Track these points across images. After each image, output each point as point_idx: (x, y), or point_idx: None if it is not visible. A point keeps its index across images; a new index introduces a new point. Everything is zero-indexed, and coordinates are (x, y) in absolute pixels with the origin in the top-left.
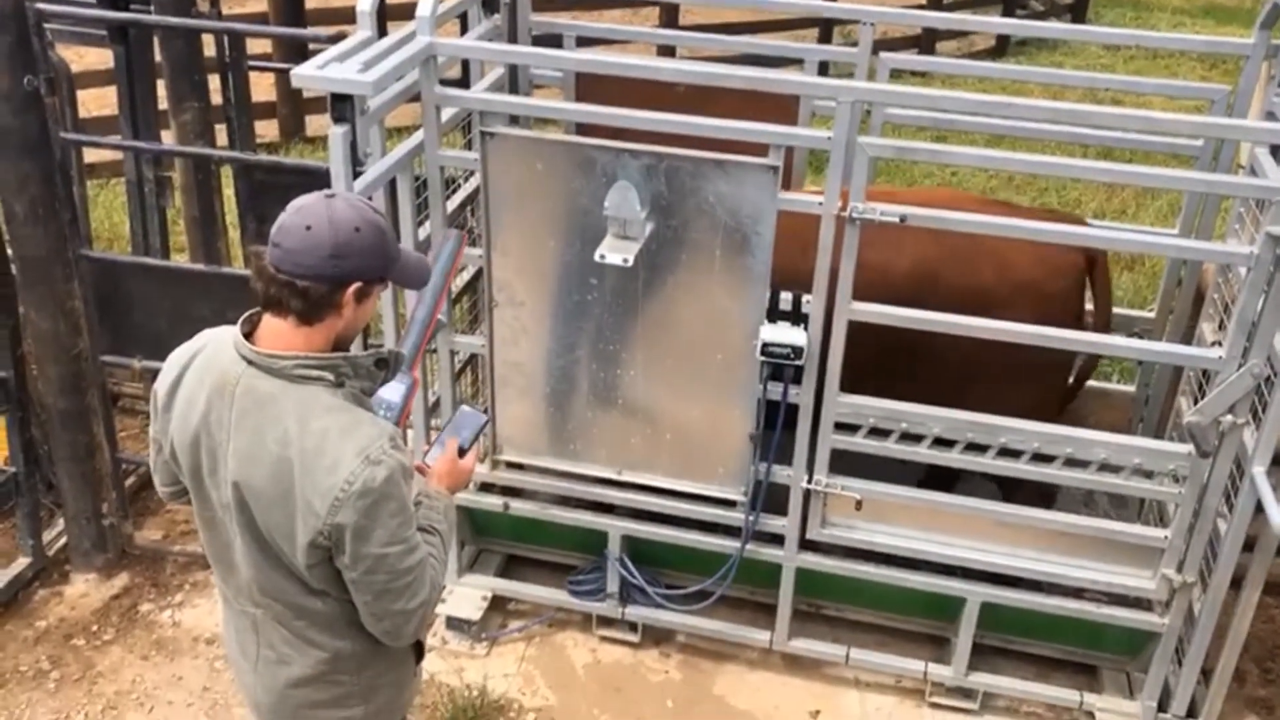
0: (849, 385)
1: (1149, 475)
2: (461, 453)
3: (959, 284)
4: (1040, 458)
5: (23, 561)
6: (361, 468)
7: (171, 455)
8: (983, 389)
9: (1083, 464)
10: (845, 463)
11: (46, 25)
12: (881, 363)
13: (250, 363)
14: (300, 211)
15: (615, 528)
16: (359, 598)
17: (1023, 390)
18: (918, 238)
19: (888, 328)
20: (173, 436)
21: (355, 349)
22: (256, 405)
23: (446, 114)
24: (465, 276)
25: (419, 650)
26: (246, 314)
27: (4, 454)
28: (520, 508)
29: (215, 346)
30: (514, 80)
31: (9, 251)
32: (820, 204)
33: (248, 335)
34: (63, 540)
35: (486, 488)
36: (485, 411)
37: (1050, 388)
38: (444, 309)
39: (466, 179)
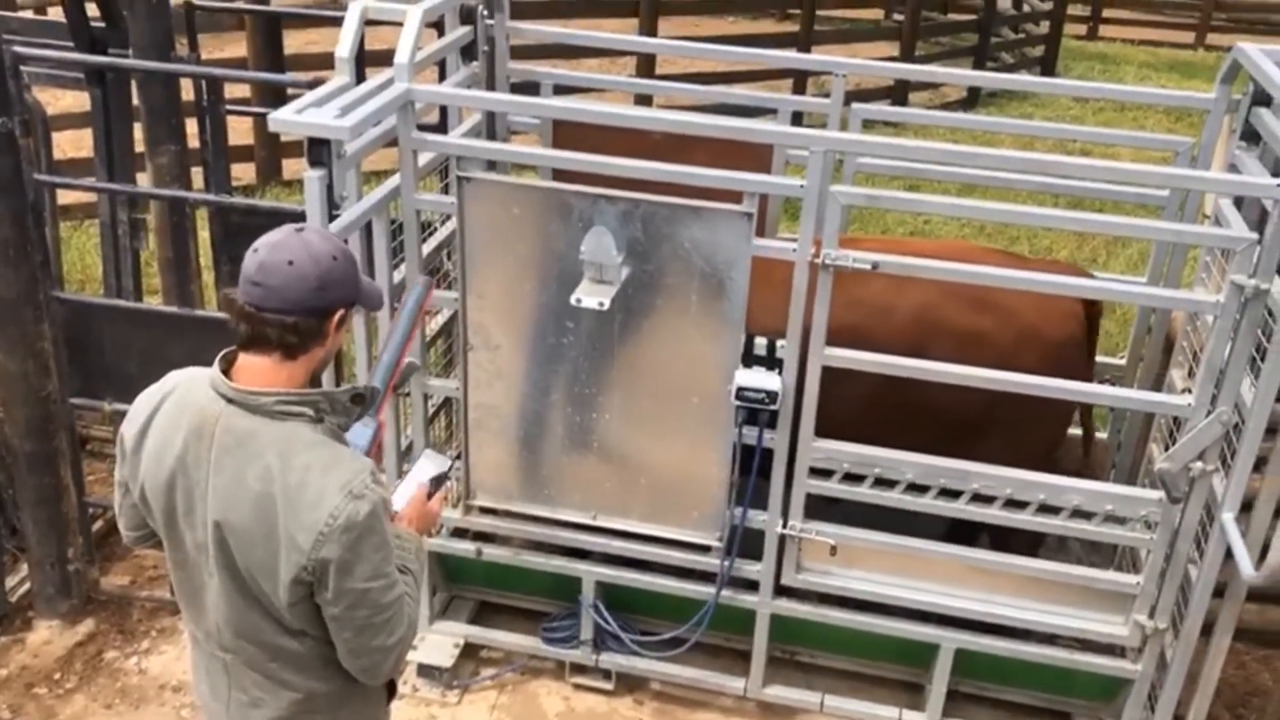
0: (846, 435)
1: (1121, 521)
2: (428, 495)
3: (960, 329)
4: (1013, 503)
5: None
6: (345, 502)
7: (141, 498)
8: (980, 438)
9: (1055, 510)
10: (858, 515)
11: (23, 68)
12: (878, 411)
13: (230, 400)
14: (277, 248)
15: (590, 573)
16: (339, 634)
17: (1025, 439)
18: (922, 284)
19: (879, 375)
20: (143, 479)
21: (326, 382)
22: (237, 443)
23: (423, 159)
24: (441, 319)
25: (390, 689)
26: (222, 353)
27: None
28: (493, 553)
29: (188, 387)
30: (491, 126)
31: None
32: (794, 250)
33: (224, 374)
34: (26, 586)
35: (459, 533)
36: (456, 456)
37: (1052, 438)
38: (415, 351)
39: (443, 223)
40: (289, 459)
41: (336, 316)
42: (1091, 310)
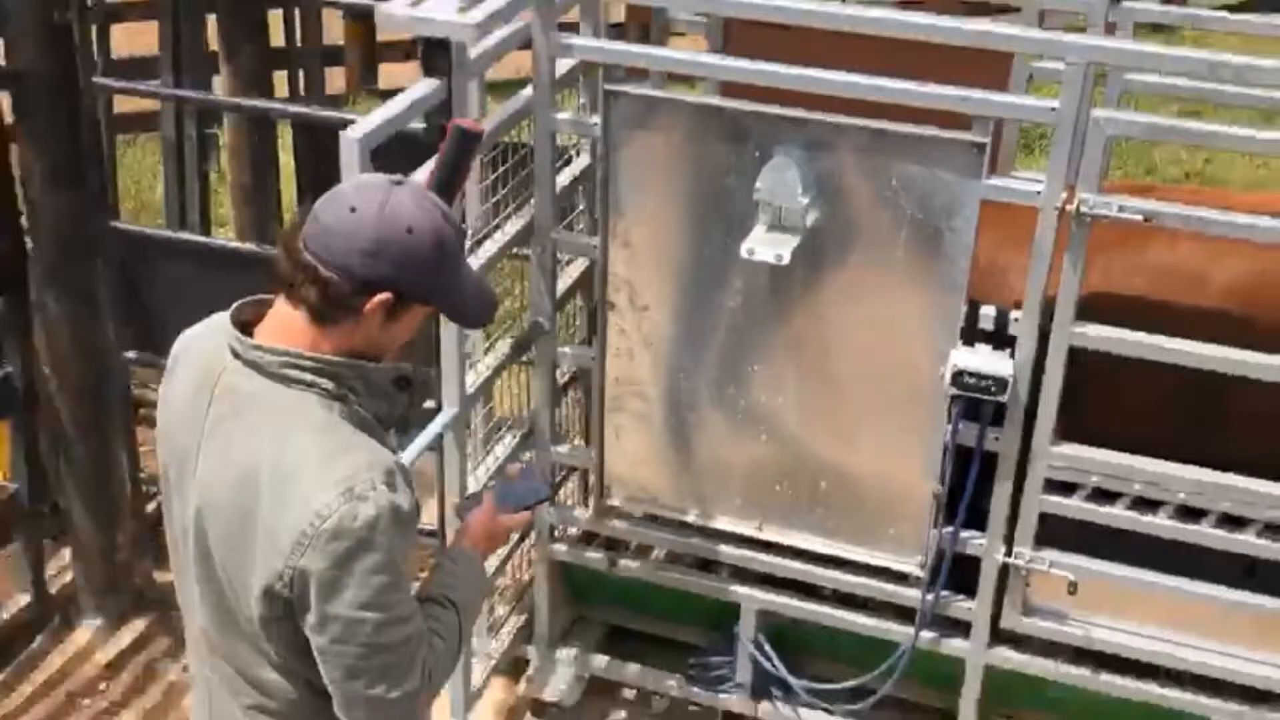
0: (1123, 442)
1: None
2: (512, 510)
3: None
4: None
5: (20, 600)
6: (339, 502)
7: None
8: None
9: None
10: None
11: None
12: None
13: (235, 354)
14: (357, 190)
15: (751, 599)
16: (327, 674)
17: None
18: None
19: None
20: (158, 431)
21: None
22: (233, 409)
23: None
24: (576, 270)
25: None
26: (253, 296)
27: (5, 468)
28: (630, 567)
29: (209, 330)
30: (645, 27)
31: (23, 220)
32: (1039, 194)
33: (248, 323)
34: (68, 576)
35: (588, 539)
36: (550, 485)
37: None
38: (545, 312)
39: (577, 152)
40: (288, 438)
41: (379, 298)
42: None
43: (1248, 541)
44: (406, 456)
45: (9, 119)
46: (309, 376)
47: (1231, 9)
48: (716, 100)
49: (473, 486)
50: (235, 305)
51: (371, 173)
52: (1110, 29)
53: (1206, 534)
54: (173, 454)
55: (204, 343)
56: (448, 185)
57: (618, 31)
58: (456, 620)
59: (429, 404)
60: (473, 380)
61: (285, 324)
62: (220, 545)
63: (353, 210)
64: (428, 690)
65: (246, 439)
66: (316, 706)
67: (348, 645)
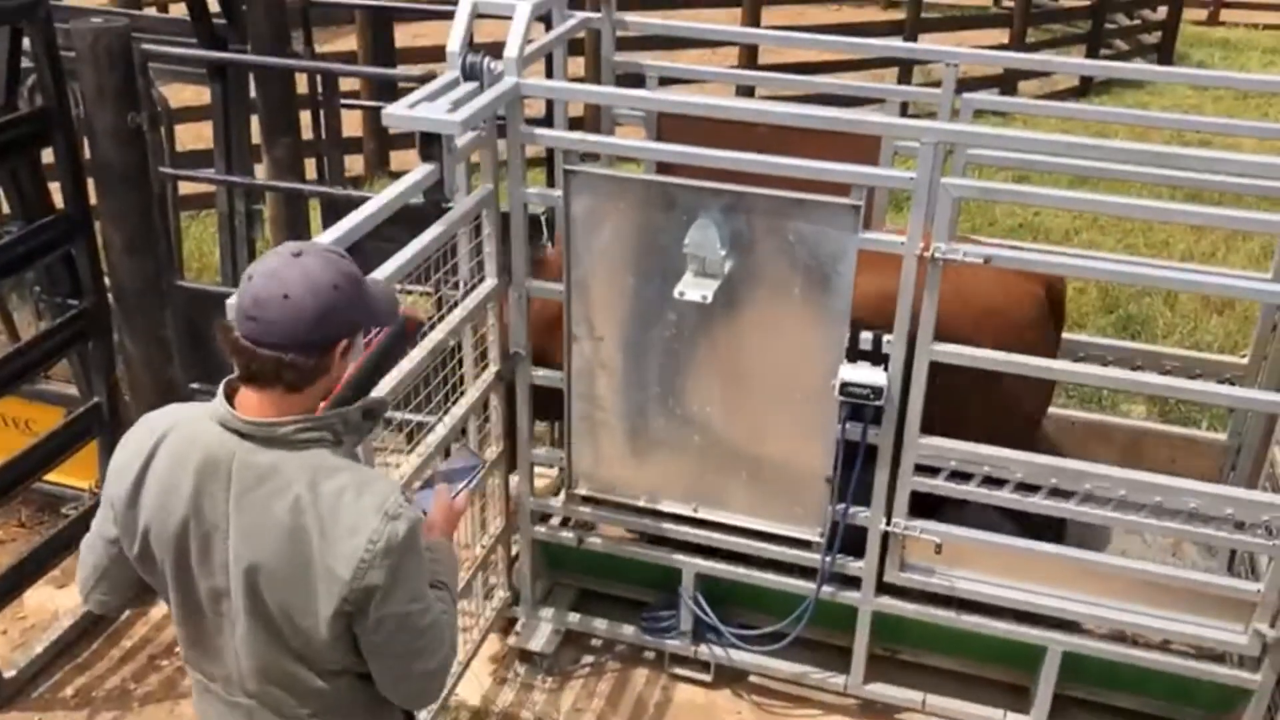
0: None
1: (1240, 526)
2: (454, 495)
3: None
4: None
5: None
6: (383, 524)
7: (142, 553)
8: (965, 417)
9: (1171, 512)
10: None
11: (150, 65)
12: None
13: (243, 435)
14: (273, 278)
15: (689, 565)
16: (380, 663)
17: (1007, 418)
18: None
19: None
20: (147, 528)
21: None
22: (259, 479)
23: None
24: None
25: None
26: (223, 383)
27: (95, 478)
28: (595, 543)
29: (188, 425)
30: (596, 118)
31: (106, 280)
32: (902, 244)
33: (229, 395)
34: None
35: (563, 522)
36: (478, 455)
37: (1030, 417)
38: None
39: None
40: (318, 487)
41: (340, 346)
42: (1053, 293)
43: (1071, 509)
44: None
45: (94, 201)
46: (315, 434)
47: (1048, 97)
48: (653, 176)
49: None
50: (221, 389)
51: (268, 257)
52: (955, 115)
53: (1040, 504)
54: (188, 538)
55: (183, 441)
56: (377, 370)
57: (575, 123)
58: (451, 598)
59: None
60: (468, 401)
61: (272, 400)
62: (276, 591)
63: (286, 298)
64: (450, 656)
65: (280, 499)
66: (359, 699)
67: (399, 634)
